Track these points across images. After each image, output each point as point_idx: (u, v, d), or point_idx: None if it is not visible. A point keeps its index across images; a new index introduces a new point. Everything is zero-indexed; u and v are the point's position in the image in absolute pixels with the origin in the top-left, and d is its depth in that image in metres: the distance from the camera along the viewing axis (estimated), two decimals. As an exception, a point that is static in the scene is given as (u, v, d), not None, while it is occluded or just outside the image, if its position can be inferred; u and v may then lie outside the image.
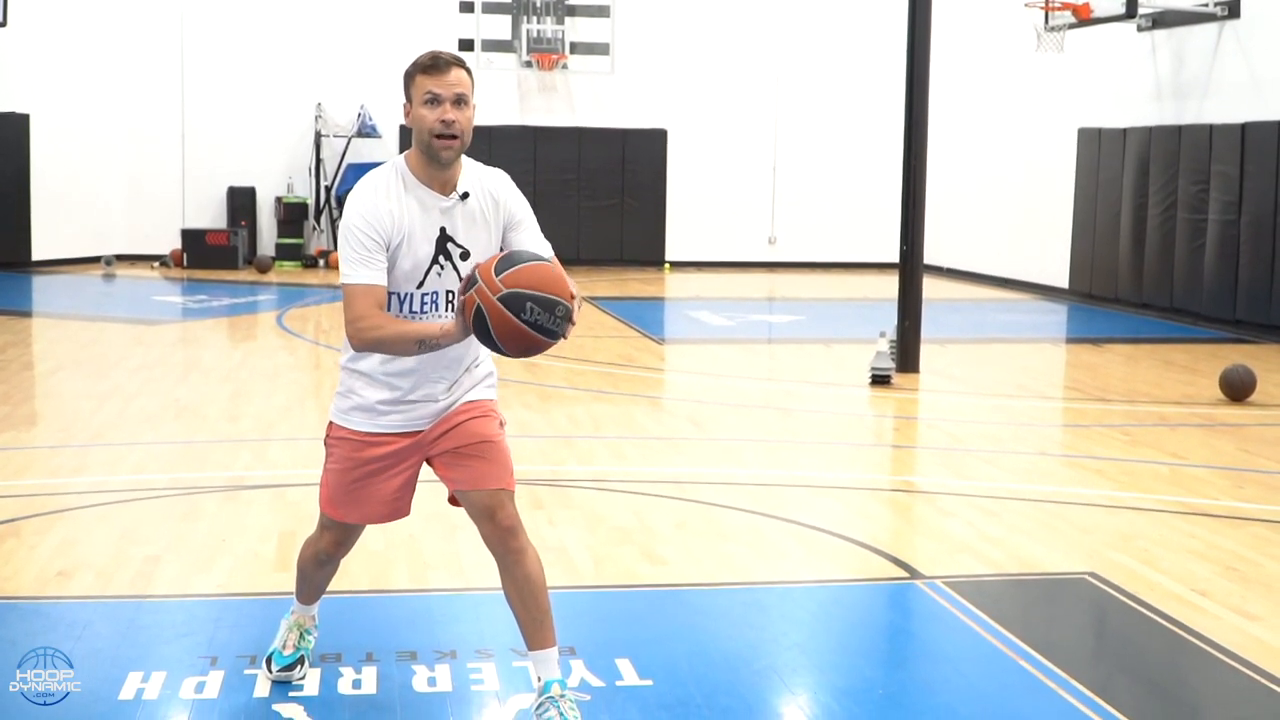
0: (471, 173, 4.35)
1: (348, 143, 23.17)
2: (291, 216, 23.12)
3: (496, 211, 4.34)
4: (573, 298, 3.99)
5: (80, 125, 22.40)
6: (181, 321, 16.32)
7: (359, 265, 4.15)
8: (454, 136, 4.17)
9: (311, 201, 23.33)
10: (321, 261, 22.76)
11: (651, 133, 24.14)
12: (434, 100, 4.17)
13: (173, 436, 9.36)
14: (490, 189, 4.35)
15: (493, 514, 4.32)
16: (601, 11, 23.31)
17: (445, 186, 4.27)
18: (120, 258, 22.55)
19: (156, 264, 22.59)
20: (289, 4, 23.29)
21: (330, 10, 23.29)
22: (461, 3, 22.99)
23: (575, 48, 23.38)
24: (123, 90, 22.98)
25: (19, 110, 21.32)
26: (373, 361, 4.34)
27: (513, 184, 4.43)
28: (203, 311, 17.09)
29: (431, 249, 4.25)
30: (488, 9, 22.68)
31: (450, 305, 4.30)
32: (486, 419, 4.44)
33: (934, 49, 12.48)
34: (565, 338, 4.04)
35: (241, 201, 23.22)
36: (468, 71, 4.25)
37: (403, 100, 4.31)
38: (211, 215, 23.39)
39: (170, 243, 22.88)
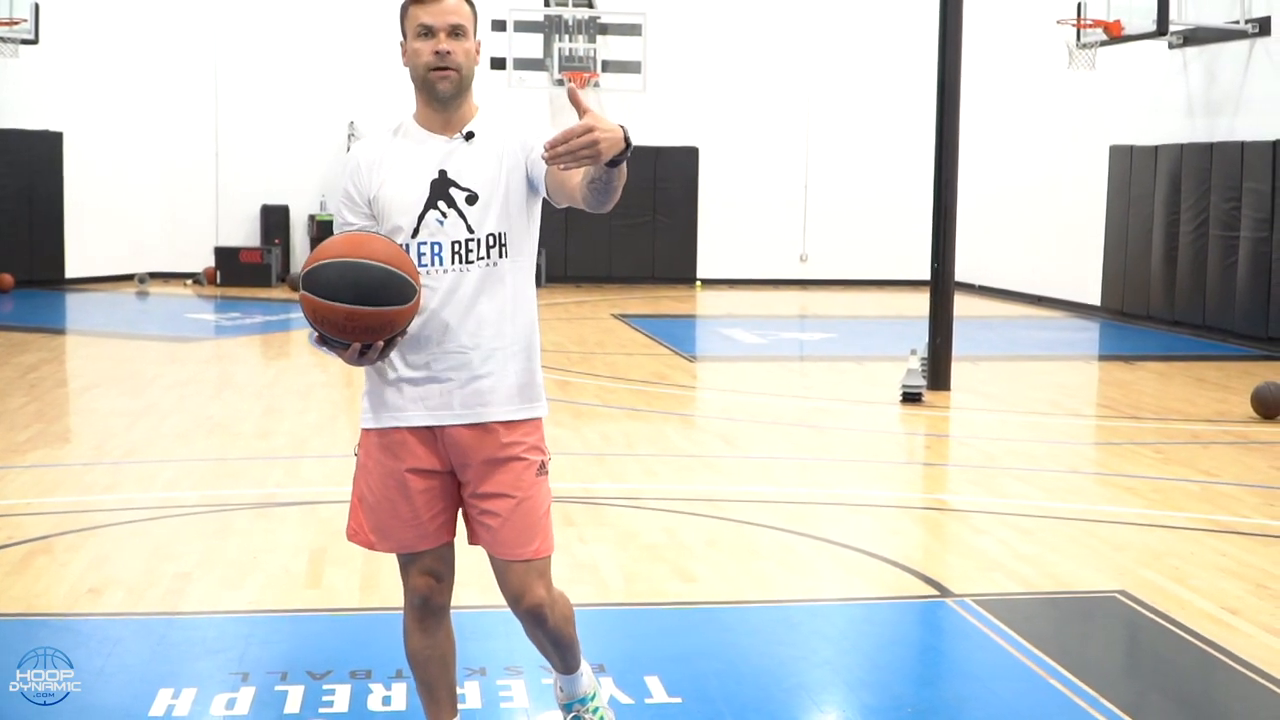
0: (490, 117, 3.90)
1: (380, 161, 23.24)
2: (324, 234, 23.11)
3: (511, 147, 3.84)
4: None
5: (114, 143, 22.58)
6: (215, 339, 16.40)
7: (336, 219, 3.90)
8: (449, 68, 3.75)
9: (344, 219, 23.41)
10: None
11: (683, 150, 24.17)
12: (427, 32, 3.75)
13: (205, 454, 9.41)
14: (508, 127, 3.87)
15: (518, 598, 3.93)
16: (633, 30, 23.35)
17: (448, 127, 3.84)
18: (154, 275, 22.69)
19: (190, 282, 22.72)
20: (322, 23, 23.44)
21: (363, 29, 23.39)
22: (494, 21, 23.05)
23: (607, 66, 23.42)
24: (156, 108, 23.16)
25: (53, 128, 21.51)
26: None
27: (532, 126, 3.89)
28: (236, 329, 17.18)
29: (425, 192, 3.79)
30: (520, 28, 22.75)
31: (458, 258, 3.79)
32: (519, 464, 3.89)
33: (965, 66, 12.47)
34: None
35: (275, 219, 23.35)
36: (468, 2, 3.83)
37: (399, 42, 3.87)
38: (245, 233, 23.52)
39: (204, 260, 23.01)
